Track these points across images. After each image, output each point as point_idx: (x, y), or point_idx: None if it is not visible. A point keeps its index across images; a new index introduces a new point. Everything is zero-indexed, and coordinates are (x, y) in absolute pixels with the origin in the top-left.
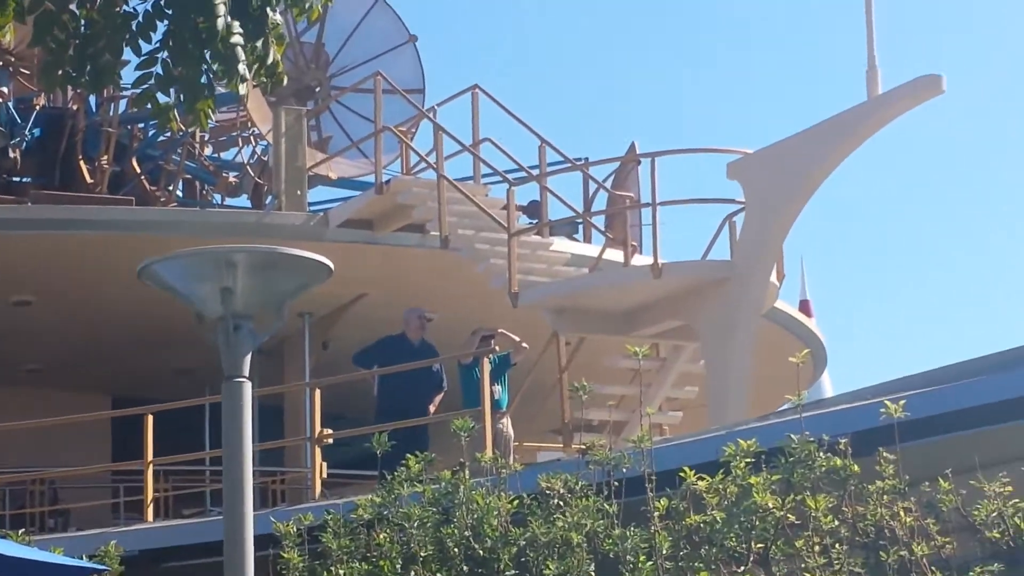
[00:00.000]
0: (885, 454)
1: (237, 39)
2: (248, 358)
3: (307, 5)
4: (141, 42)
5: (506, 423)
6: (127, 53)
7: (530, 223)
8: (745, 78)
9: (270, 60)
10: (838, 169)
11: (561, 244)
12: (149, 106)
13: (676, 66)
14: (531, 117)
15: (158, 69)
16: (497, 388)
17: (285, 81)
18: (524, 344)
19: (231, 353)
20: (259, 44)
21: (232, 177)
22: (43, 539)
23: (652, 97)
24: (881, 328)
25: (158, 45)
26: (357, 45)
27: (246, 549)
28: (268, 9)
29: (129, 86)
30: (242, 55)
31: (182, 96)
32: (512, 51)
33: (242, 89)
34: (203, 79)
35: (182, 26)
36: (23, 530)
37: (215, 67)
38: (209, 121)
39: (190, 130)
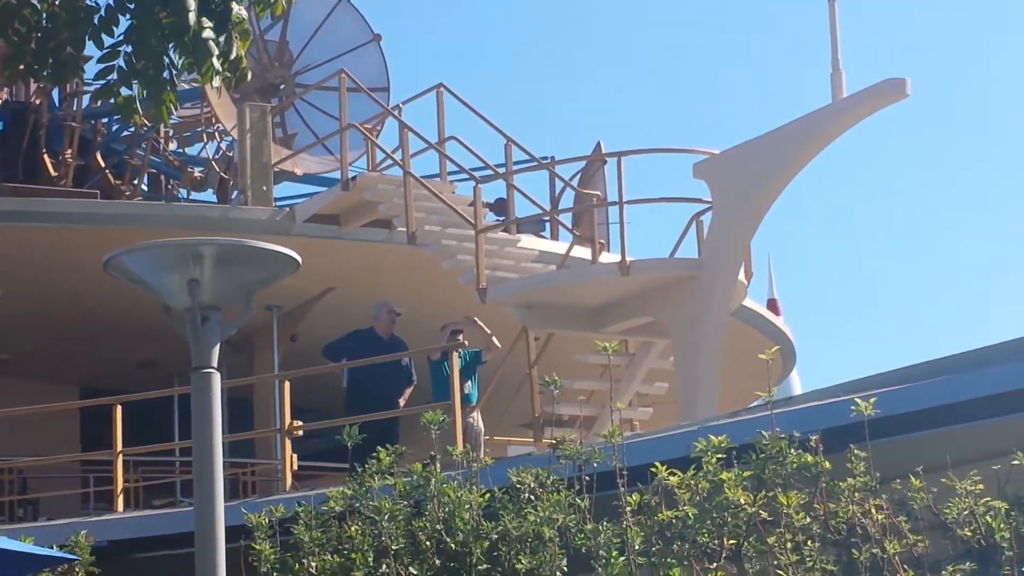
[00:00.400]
0: (856, 451)
1: (208, 33)
2: (216, 349)
3: (272, 0)
4: (103, 36)
5: (476, 417)
6: (89, 47)
7: (497, 220)
8: (711, 80)
9: (233, 55)
10: (805, 168)
11: (529, 241)
12: (112, 100)
13: (641, 65)
14: (496, 116)
15: (120, 62)
16: (467, 383)
17: (249, 76)
18: (496, 342)
19: (199, 344)
20: (222, 39)
21: (197, 172)
22: (12, 528)
23: (617, 96)
24: (848, 327)
25: (120, 39)
26: (321, 43)
27: (217, 540)
28: (232, 3)
29: (91, 80)
30: (215, 49)
31: (145, 91)
32: (476, 50)
33: (215, 83)
34: (165, 74)
35: (145, 20)
36: None
37: (180, 61)
38: (172, 116)
39: (154, 125)
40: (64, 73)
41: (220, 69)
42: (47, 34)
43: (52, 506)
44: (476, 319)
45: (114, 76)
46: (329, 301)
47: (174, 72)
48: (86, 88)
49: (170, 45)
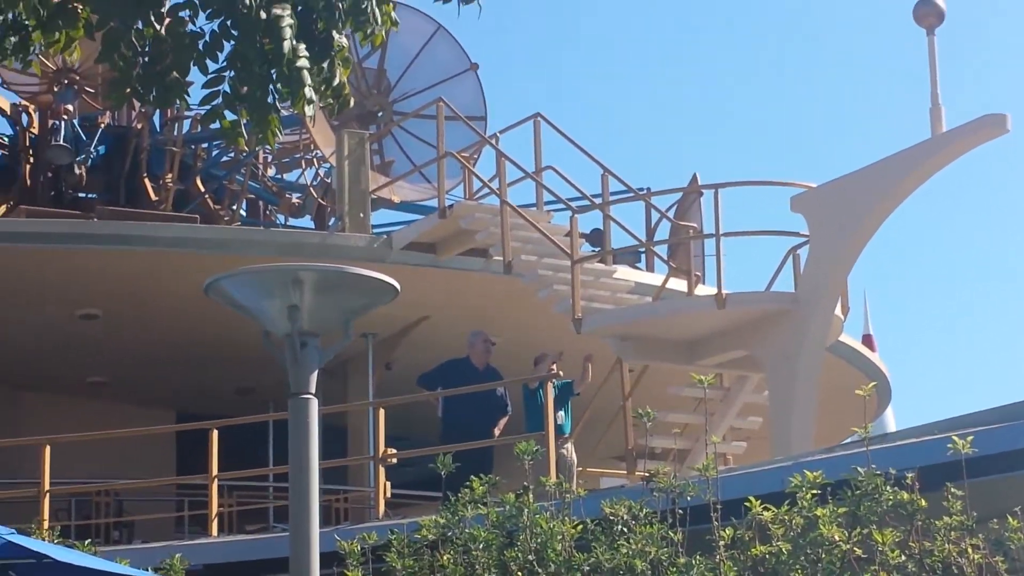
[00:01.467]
0: (953, 489)
1: (303, 62)
2: (315, 375)
3: (370, 31)
4: (208, 61)
5: (569, 448)
6: (194, 72)
7: (593, 251)
8: (808, 114)
9: (336, 82)
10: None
11: (624, 272)
12: (217, 124)
13: (740, 98)
14: (593, 146)
15: (225, 87)
16: (560, 414)
17: (351, 103)
18: (590, 372)
19: (298, 370)
20: (325, 66)
21: (295, 198)
22: (108, 550)
23: (715, 129)
24: (944, 364)
25: (224, 64)
26: (419, 72)
27: (312, 566)
28: (334, 32)
29: (195, 105)
30: (308, 78)
31: (249, 115)
32: (574, 80)
33: (308, 111)
34: (270, 98)
35: (247, 46)
36: (88, 540)
37: (280, 88)
38: (277, 139)
39: (255, 150)
40: (169, 97)
41: (313, 98)
42: (152, 59)
43: (146, 529)
44: (589, 356)
45: (219, 101)
46: (424, 329)
47: (277, 97)
48: (187, 113)
49: (271, 71)
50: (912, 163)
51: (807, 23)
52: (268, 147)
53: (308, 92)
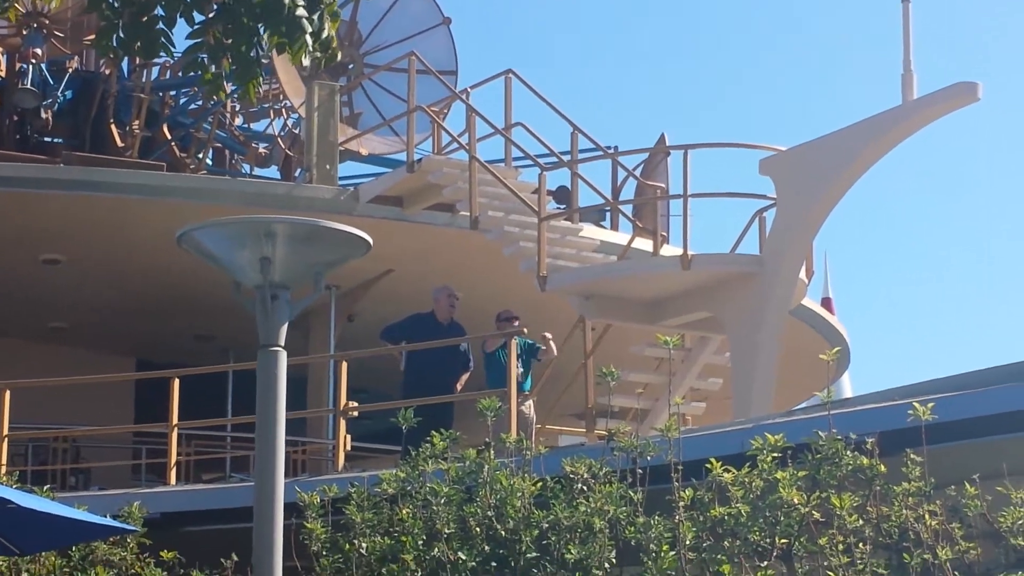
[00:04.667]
0: (912, 456)
1: (301, 11)
2: (284, 328)
3: None
4: (195, 13)
5: (529, 406)
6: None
7: (559, 208)
8: (777, 77)
9: (325, 35)
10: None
11: (590, 231)
12: (199, 73)
13: (710, 59)
14: (562, 104)
15: (209, 39)
16: (521, 372)
17: (339, 57)
18: (553, 348)
19: (268, 322)
20: (315, 18)
21: (262, 148)
22: (66, 496)
23: (684, 89)
24: (900, 330)
25: (212, 16)
26: (391, 25)
27: (276, 516)
28: None
29: (181, 54)
30: (308, 26)
31: (231, 68)
32: (545, 36)
33: (305, 61)
34: (253, 52)
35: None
36: (47, 486)
37: (269, 40)
38: (256, 94)
39: (220, 100)
40: (154, 49)
41: (312, 48)
42: (140, 9)
43: (103, 476)
44: (548, 336)
45: (202, 53)
46: (388, 283)
47: (260, 52)
48: (157, 61)
49: (259, 25)
50: (881, 129)
51: None
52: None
53: (309, 40)
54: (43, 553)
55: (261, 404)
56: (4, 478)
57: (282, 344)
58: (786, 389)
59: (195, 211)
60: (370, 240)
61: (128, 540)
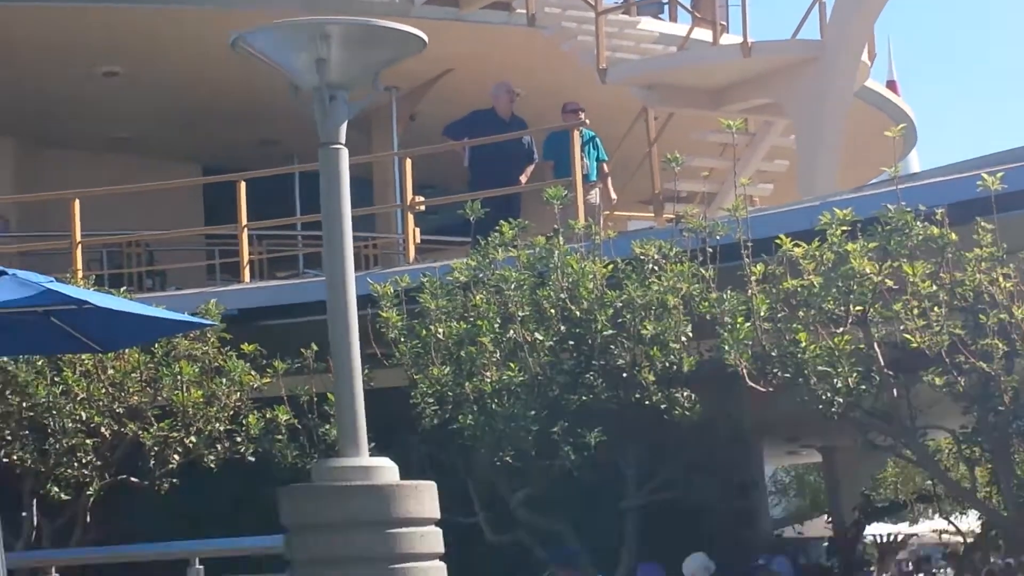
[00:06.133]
0: (983, 223)
1: None
2: (344, 126)
3: None
4: None
5: (595, 194)
6: None
7: (616, 2)
8: None
9: None
10: None
11: (648, 23)
12: None
13: None
14: None
15: None
16: (586, 162)
17: None
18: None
19: (327, 121)
20: None
21: None
22: (143, 296)
23: None
24: (967, 110)
25: None
26: None
27: (349, 307)
28: None
29: None
30: None
31: None
32: None
33: None
34: None
35: None
36: (124, 288)
37: None
38: None
39: None
40: None
41: None
42: None
43: (178, 278)
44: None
45: None
46: (447, 82)
47: None
48: None
49: None
50: None
51: None
52: None
53: None
54: (126, 351)
55: (326, 200)
56: (81, 282)
57: (343, 142)
58: (852, 170)
59: (251, 16)
60: (425, 37)
61: (208, 335)
